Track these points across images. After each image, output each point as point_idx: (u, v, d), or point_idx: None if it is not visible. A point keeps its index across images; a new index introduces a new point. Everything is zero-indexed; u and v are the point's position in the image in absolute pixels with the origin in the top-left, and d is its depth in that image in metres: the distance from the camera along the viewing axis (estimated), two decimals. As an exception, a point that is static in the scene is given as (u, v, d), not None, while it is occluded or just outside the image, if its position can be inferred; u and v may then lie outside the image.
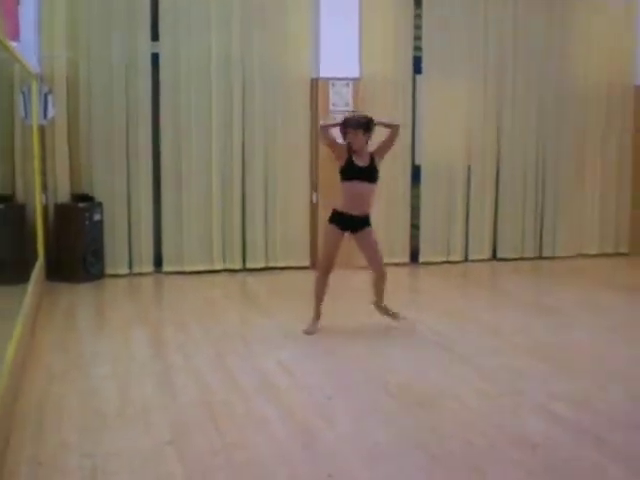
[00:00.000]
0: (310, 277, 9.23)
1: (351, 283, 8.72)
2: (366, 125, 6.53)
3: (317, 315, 6.78)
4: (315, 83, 9.41)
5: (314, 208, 9.56)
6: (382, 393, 5.25)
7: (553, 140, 10.28)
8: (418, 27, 9.78)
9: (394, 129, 6.69)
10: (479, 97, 10.00)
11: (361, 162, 6.58)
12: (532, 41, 10.07)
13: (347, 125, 6.56)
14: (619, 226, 10.69)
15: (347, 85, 9.44)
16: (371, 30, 9.50)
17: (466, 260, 10.09)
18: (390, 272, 9.10)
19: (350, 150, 6.57)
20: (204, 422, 4.70)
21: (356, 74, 9.48)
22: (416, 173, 9.97)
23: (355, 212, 6.61)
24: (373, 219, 6.76)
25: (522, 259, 10.26)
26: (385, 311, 6.99)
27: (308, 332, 6.66)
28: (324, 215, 9.33)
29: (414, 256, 10.00)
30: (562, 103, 10.24)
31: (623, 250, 10.69)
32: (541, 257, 10.37)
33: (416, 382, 5.47)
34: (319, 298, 6.80)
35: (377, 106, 9.47)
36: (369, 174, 6.59)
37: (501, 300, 8.25)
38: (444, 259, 10.05)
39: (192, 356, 6.01)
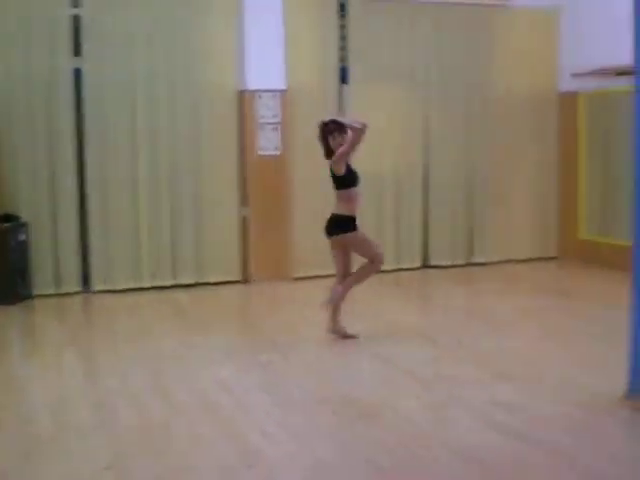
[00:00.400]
0: (242, 291, 9.25)
1: (288, 295, 8.70)
2: (337, 128, 6.71)
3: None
4: (242, 95, 9.34)
5: (244, 222, 9.47)
6: (323, 407, 5.20)
7: (481, 147, 10.37)
8: (343, 37, 9.77)
9: (357, 131, 6.58)
10: (406, 106, 10.04)
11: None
12: (457, 50, 10.14)
13: (334, 130, 6.69)
14: (547, 230, 10.83)
15: (274, 97, 9.38)
16: (296, 41, 9.46)
17: (398, 269, 10.10)
18: (322, 283, 9.12)
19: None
20: (144, 446, 4.59)
21: (283, 85, 9.43)
22: (345, 183, 9.93)
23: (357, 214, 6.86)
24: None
25: (454, 266, 10.32)
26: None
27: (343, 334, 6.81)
28: (255, 228, 9.36)
29: (346, 266, 9.96)
30: (489, 110, 10.34)
31: (552, 254, 10.83)
32: (472, 263, 10.44)
33: (356, 395, 5.43)
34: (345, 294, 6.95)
35: (305, 117, 9.46)
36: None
37: (435, 308, 8.30)
38: (376, 268, 10.03)
39: (128, 378, 5.87)
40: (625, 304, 7.57)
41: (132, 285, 9.10)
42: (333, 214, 6.82)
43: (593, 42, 9.93)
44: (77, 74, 8.86)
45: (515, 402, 5.21)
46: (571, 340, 6.78)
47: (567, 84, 10.46)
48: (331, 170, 6.74)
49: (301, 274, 9.58)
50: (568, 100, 10.49)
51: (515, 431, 4.72)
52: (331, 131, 6.67)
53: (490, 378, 5.76)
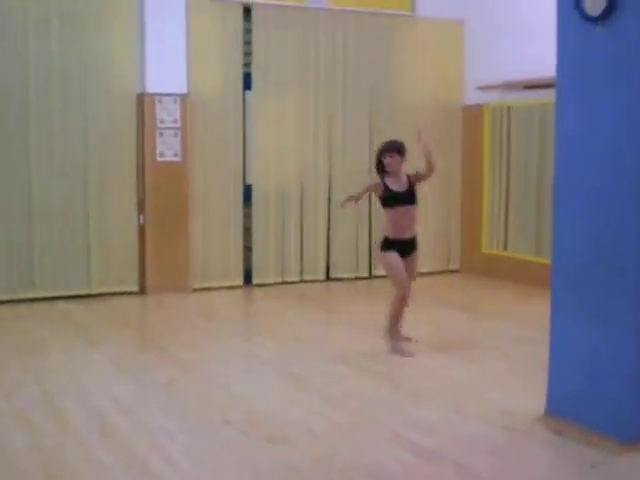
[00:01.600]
0: (137, 303, 8.85)
1: (188, 307, 8.38)
2: (399, 149, 6.69)
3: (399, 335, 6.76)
4: (141, 99, 8.95)
5: (141, 230, 9.07)
6: (231, 430, 4.88)
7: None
8: (248, 42, 9.49)
9: (429, 168, 6.73)
10: (311, 114, 9.80)
11: (398, 187, 6.65)
12: (363, 60, 9.98)
13: (384, 150, 6.70)
14: (450, 244, 10.74)
15: (175, 101, 9.02)
16: (199, 44, 9.13)
17: (301, 281, 9.84)
18: (223, 295, 8.82)
19: (383, 177, 6.68)
20: (34, 471, 4.20)
21: (184, 90, 9.08)
22: (247, 193, 9.66)
23: (407, 235, 6.67)
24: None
25: (357, 279, 10.12)
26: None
27: (409, 354, 6.56)
28: (152, 237, 8.97)
29: (248, 278, 9.66)
30: (394, 121, 10.17)
31: (454, 267, 10.75)
32: (374, 276, 10.26)
33: (263, 416, 5.14)
34: (398, 319, 6.73)
35: (207, 123, 9.18)
36: (409, 197, 6.67)
37: (340, 322, 8.03)
38: (279, 280, 9.76)
39: (16, 398, 5.43)
40: (533, 319, 7.57)
41: (20, 295, 8.59)
42: None
43: (499, 55, 9.91)
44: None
45: (430, 422, 5.00)
46: (482, 357, 6.60)
47: (472, 97, 10.41)
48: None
49: (200, 285, 9.25)
50: (473, 113, 10.44)
51: (431, 453, 4.51)
52: (395, 149, 6.70)
53: (404, 397, 5.55)
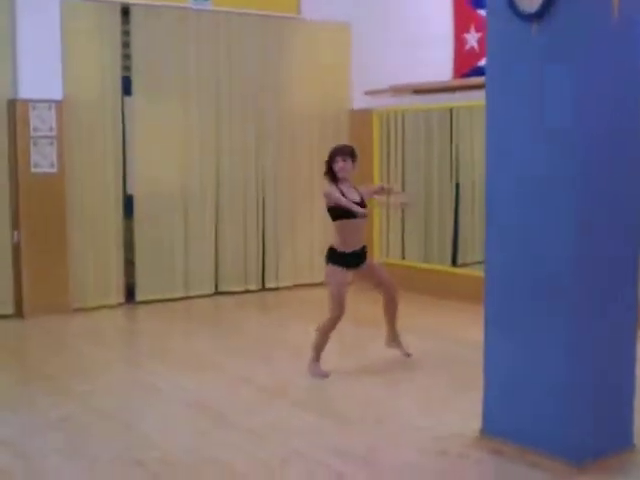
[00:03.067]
0: (14, 327, 8.14)
1: (70, 330, 7.79)
2: (352, 152, 6.23)
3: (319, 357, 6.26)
4: (13, 105, 8.26)
5: (16, 248, 8.37)
6: (139, 472, 4.36)
7: (272, 164, 9.81)
8: (127, 45, 8.92)
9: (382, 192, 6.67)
10: (194, 121, 9.28)
11: (353, 197, 6.13)
12: (249, 62, 9.55)
13: (335, 154, 6.17)
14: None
15: (50, 108, 8.37)
16: (74, 47, 8.49)
17: (187, 297, 9.32)
18: (106, 315, 8.24)
19: (337, 184, 6.15)
20: None
21: (59, 95, 8.43)
22: (129, 204, 9.09)
23: (358, 247, 6.21)
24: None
25: (247, 292, 9.67)
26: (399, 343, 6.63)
27: (324, 375, 6.15)
28: (28, 255, 8.29)
29: (131, 294, 9.08)
30: (281, 126, 9.82)
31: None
32: (266, 288, 9.84)
33: (177, 453, 4.65)
34: (325, 341, 6.25)
35: (85, 130, 8.57)
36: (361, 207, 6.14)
37: (235, 341, 7.51)
38: (164, 296, 9.21)
39: None
40: (447, 335, 7.31)
41: None
42: None
43: (387, 59, 9.70)
44: None
45: (359, 451, 4.62)
46: (407, 377, 6.24)
47: (360, 101, 10.13)
48: None
49: (81, 305, 8.61)
50: (361, 117, 10.15)
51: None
52: (349, 153, 6.21)
53: (325, 423, 5.14)
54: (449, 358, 6.66)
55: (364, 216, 6.11)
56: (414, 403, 5.57)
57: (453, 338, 7.28)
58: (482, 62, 8.32)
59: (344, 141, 10.08)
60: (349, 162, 6.14)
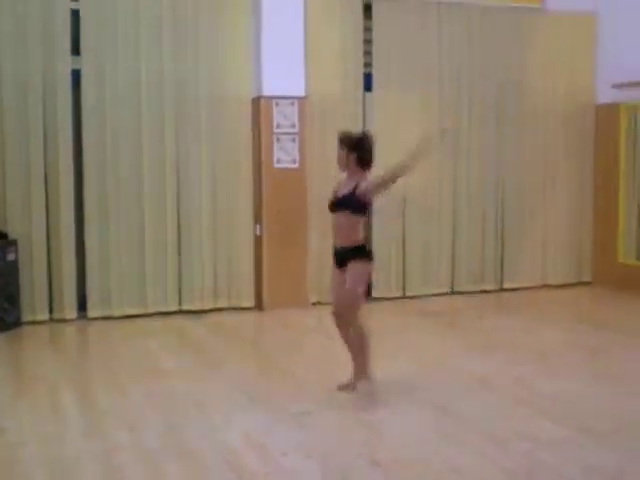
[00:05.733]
0: (255, 319, 8.34)
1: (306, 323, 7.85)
2: (343, 140, 5.53)
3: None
4: (257, 102, 8.44)
5: (258, 241, 8.57)
6: (376, 474, 4.26)
7: (513, 162, 9.55)
8: (368, 41, 8.91)
9: (402, 167, 5.43)
10: (434, 115, 9.16)
11: (341, 190, 5.56)
12: (489, 56, 9.33)
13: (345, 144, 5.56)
14: (582, 253, 9.98)
15: (292, 104, 8.49)
16: (317, 45, 8.61)
17: (423, 295, 9.22)
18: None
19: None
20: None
21: (301, 92, 8.54)
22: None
23: (336, 244, 5.61)
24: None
25: (483, 292, 9.44)
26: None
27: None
28: (269, 248, 8.46)
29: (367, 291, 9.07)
30: (521, 122, 9.55)
31: (586, 279, 9.98)
32: (502, 289, 9.57)
33: (414, 456, 4.51)
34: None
35: (326, 126, 8.62)
36: (340, 203, 5.49)
37: (476, 343, 7.31)
38: (399, 294, 9.18)
39: (138, 430, 4.93)
40: None
41: (133, 311, 8.19)
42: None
43: (636, 50, 9.13)
44: (75, 76, 7.95)
45: (607, 467, 4.30)
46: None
47: (606, 95, 9.62)
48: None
49: (319, 298, 8.66)
50: (607, 112, 9.65)
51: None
52: (342, 142, 5.55)
53: (572, 434, 4.84)
54: None
55: (331, 211, 5.55)
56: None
57: None
58: None
59: (588, 138, 9.73)
60: (344, 151, 5.49)
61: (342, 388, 5.68)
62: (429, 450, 4.60)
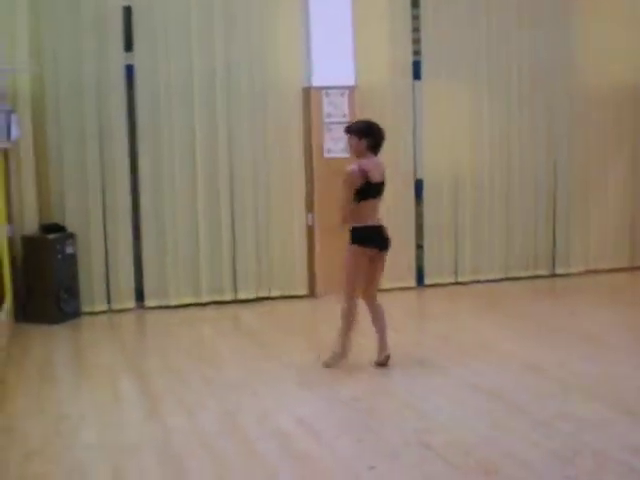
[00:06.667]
0: (308, 307, 8.45)
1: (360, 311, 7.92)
2: (358, 130, 5.96)
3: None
4: (307, 93, 8.54)
5: (310, 230, 8.67)
6: (431, 456, 4.34)
7: (563, 147, 9.49)
8: (416, 29, 8.94)
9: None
10: (484, 103, 9.19)
11: (379, 173, 5.95)
12: (537, 41, 9.27)
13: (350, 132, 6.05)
14: (635, 238, 9.90)
15: (342, 94, 8.57)
16: (366, 34, 8.65)
17: (476, 281, 9.25)
18: (393, 297, 8.20)
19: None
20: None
21: (351, 82, 8.62)
22: (418, 187, 9.12)
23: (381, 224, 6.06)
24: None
25: (536, 277, 9.44)
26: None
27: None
28: (321, 237, 8.55)
29: (419, 278, 9.15)
30: (571, 107, 9.47)
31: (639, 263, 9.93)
32: (555, 274, 9.56)
33: (461, 438, 4.58)
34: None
35: (376, 115, 8.57)
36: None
37: (526, 328, 7.32)
38: (452, 280, 9.21)
39: (195, 415, 5.08)
40: None
41: (189, 300, 8.37)
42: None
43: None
44: (129, 71, 8.12)
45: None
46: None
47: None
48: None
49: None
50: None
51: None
52: (350, 130, 6.06)
53: (617, 417, 4.88)
54: None
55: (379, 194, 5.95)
56: None
57: None
58: None
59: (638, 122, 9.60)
60: (355, 139, 5.91)
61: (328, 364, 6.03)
62: (479, 433, 4.68)
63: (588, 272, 9.67)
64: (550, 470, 4.16)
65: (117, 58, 8.06)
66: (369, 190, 5.81)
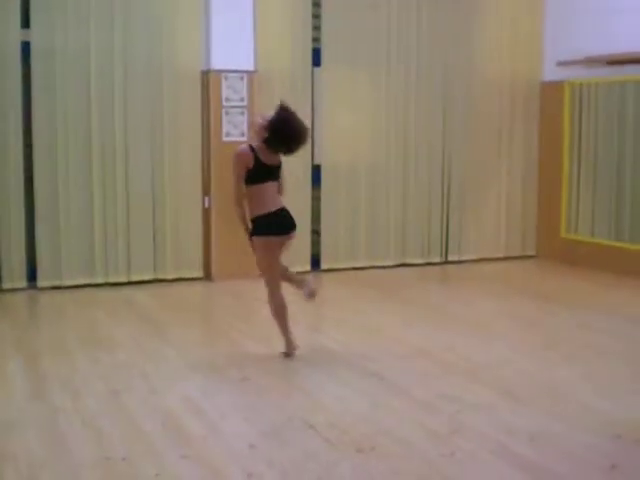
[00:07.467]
0: (203, 289, 8.48)
1: (252, 294, 7.99)
2: (271, 119, 5.82)
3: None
4: (206, 76, 8.54)
5: (207, 213, 8.69)
6: (312, 436, 4.46)
7: (459, 136, 9.73)
8: (317, 16, 9.03)
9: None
10: (382, 90, 9.34)
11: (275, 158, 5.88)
12: (437, 30, 9.48)
13: None
14: (526, 227, 10.22)
15: (241, 78, 8.60)
16: (267, 19, 8.70)
17: (372, 266, 9.42)
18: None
19: None
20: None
21: (251, 67, 8.66)
22: (316, 173, 9.23)
23: (282, 207, 5.94)
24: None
25: (429, 264, 9.66)
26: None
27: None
28: (217, 220, 8.59)
29: (315, 263, 9.26)
30: (468, 98, 9.73)
31: (530, 252, 10.23)
32: (447, 262, 9.80)
33: (342, 417, 4.71)
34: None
35: (275, 100, 8.61)
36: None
37: (417, 314, 7.52)
38: (347, 265, 9.35)
39: (82, 395, 5.08)
40: (626, 312, 7.12)
41: (83, 281, 8.30)
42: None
43: (581, 28, 9.35)
44: (25, 48, 7.99)
45: (527, 430, 4.52)
46: (578, 355, 6.09)
47: (551, 73, 9.84)
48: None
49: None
50: (552, 90, 9.85)
51: (537, 468, 4.05)
52: None
53: (498, 400, 5.07)
54: (633, 339, 6.45)
55: (274, 179, 5.86)
56: (588, 382, 5.43)
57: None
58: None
59: (534, 114, 9.90)
60: (264, 120, 5.85)
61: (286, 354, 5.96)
62: (361, 414, 4.80)
63: (481, 260, 9.94)
64: (425, 447, 4.30)
65: (13, 34, 7.91)
66: (261, 172, 5.73)
